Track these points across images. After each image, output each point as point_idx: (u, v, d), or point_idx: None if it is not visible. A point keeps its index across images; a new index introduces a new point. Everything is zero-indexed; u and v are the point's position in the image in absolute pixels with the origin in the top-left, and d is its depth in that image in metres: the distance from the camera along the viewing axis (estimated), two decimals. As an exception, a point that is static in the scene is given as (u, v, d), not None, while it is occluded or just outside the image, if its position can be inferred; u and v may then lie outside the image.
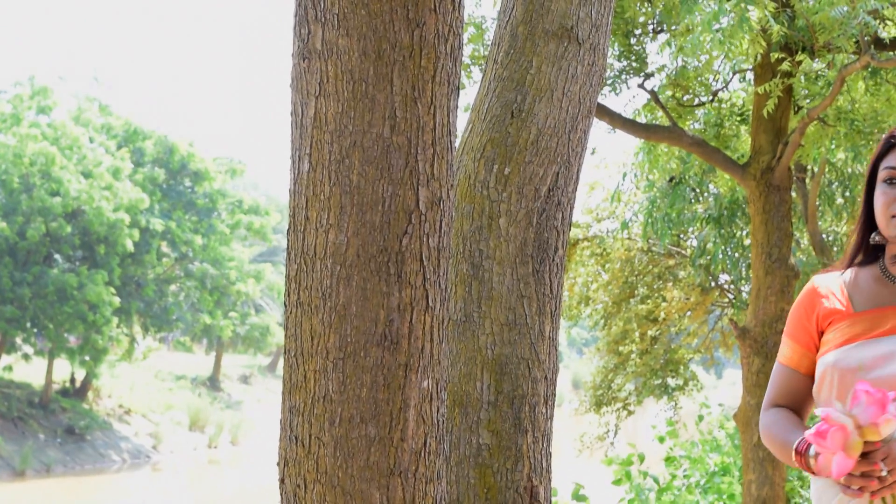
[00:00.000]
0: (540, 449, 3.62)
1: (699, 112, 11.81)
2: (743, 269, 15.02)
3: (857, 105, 10.18)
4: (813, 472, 2.78)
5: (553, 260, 3.66)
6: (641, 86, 10.78)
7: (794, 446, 2.78)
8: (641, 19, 10.31)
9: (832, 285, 2.96)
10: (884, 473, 2.61)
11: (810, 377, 2.95)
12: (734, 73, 11.56)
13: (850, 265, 2.99)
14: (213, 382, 48.40)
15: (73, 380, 38.11)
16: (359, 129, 2.44)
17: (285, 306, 2.56)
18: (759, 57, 9.09)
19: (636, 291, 17.58)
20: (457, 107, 2.58)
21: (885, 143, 2.91)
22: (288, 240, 2.56)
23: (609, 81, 10.62)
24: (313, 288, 2.48)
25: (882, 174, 2.88)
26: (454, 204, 2.63)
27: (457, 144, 2.60)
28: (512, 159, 3.59)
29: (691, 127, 11.69)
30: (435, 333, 2.53)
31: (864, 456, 2.63)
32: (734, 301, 16.35)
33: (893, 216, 2.83)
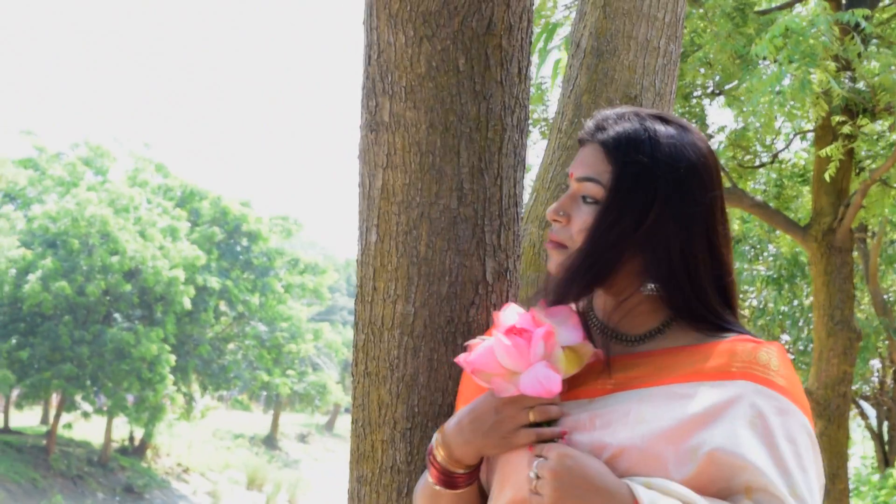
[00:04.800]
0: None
1: (760, 173, 11.79)
2: (804, 329, 14.91)
3: (919, 166, 10.11)
4: (439, 471, 2.15)
5: (617, 327, 3.64)
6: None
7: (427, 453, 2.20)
8: (700, 81, 10.33)
9: None
10: (531, 475, 1.95)
11: None
12: (795, 134, 11.54)
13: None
14: (270, 441, 48.50)
15: (131, 438, 38.31)
16: (426, 201, 2.44)
17: (353, 376, 2.57)
18: (820, 119, 9.08)
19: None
20: (523, 177, 2.58)
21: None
22: (356, 310, 2.57)
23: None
24: (381, 358, 2.48)
25: None
26: (520, 274, 2.64)
27: (522, 213, 2.60)
28: (576, 227, 3.58)
29: (752, 188, 11.66)
30: (502, 404, 2.52)
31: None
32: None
33: (550, 242, 2.16)
